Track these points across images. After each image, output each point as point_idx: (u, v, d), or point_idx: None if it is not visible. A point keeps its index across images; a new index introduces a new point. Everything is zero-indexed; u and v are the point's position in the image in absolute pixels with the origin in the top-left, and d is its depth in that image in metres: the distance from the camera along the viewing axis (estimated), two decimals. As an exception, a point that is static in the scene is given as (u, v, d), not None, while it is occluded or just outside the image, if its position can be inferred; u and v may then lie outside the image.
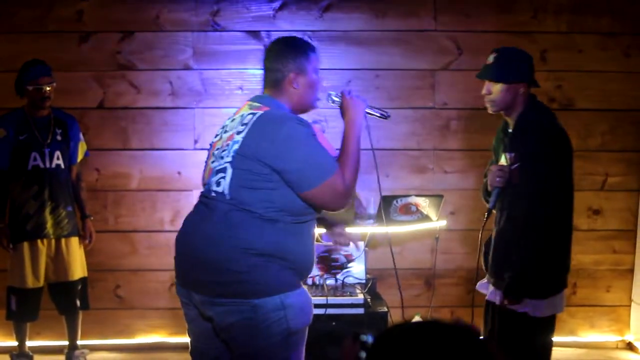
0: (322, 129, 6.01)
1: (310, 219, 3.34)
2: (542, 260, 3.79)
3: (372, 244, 5.75)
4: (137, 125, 6.08)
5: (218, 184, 3.26)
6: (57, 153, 5.49)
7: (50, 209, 5.46)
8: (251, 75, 5.99)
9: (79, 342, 5.77)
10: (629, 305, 6.38)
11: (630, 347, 6.32)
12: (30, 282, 5.44)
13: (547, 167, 3.78)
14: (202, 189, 3.43)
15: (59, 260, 5.50)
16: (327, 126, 6.11)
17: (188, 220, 3.42)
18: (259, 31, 6.11)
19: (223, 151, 3.29)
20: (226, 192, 3.21)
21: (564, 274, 3.95)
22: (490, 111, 4.03)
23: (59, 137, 5.51)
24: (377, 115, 3.72)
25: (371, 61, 6.15)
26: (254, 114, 3.28)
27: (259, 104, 3.35)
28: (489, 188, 4.05)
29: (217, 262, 3.19)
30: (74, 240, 5.58)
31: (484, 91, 3.99)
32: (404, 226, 5.03)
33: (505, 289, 3.86)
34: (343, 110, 3.53)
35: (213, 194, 3.27)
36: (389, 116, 3.77)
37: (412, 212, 4.97)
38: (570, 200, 3.87)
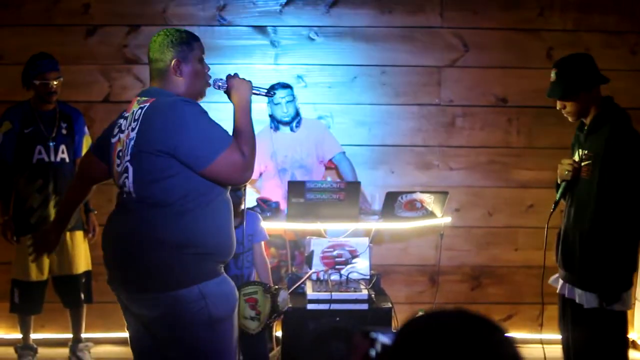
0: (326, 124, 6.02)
1: (220, 198, 3.35)
2: (617, 256, 3.93)
3: (376, 240, 5.76)
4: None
5: (124, 184, 3.29)
6: (62, 147, 5.50)
7: (55, 202, 5.46)
8: (257, 70, 6.00)
9: (84, 335, 5.78)
10: (633, 304, 6.36)
11: (634, 345, 6.31)
12: (34, 275, 5.46)
13: (616, 167, 3.91)
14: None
15: (63, 253, 5.50)
16: (333, 122, 6.12)
17: (110, 217, 3.47)
18: (266, 26, 6.12)
19: (123, 151, 3.31)
20: (132, 190, 3.25)
21: (633, 271, 4.05)
22: (571, 120, 4.19)
23: (64, 131, 5.52)
24: (262, 94, 3.81)
25: (377, 57, 6.16)
26: (142, 107, 3.28)
27: (145, 98, 3.34)
28: (558, 181, 4.21)
29: (134, 257, 3.24)
30: (79, 234, 5.58)
31: (558, 107, 4.14)
32: (409, 222, 5.02)
33: (602, 293, 3.96)
34: (230, 93, 3.54)
35: (124, 195, 3.32)
36: (274, 94, 3.86)
37: (417, 209, 4.96)
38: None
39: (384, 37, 6.15)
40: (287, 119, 5.63)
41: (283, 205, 5.21)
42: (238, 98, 3.51)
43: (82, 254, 5.59)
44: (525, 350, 5.76)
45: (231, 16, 6.10)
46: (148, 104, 3.27)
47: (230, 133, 3.34)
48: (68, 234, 5.50)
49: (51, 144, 5.44)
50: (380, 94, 6.16)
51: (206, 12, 6.08)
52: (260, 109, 5.54)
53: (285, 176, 5.59)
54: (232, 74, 3.61)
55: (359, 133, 6.19)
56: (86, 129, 5.71)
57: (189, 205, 3.22)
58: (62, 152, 5.50)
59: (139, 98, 3.38)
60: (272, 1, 6.12)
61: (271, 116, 5.67)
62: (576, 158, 4.16)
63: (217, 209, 3.35)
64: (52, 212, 5.44)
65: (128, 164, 3.25)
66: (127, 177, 3.26)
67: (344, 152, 5.82)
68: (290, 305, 4.55)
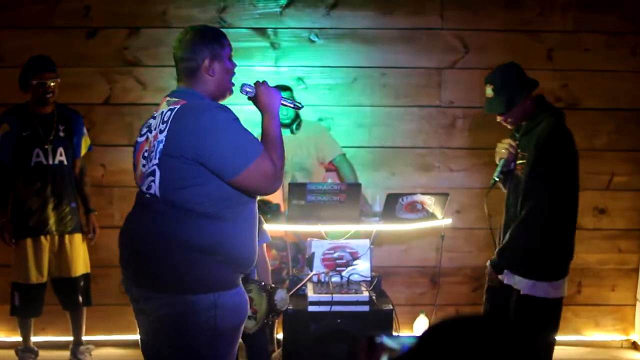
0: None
1: (246, 208, 3.31)
2: (546, 242, 4.18)
3: (377, 241, 5.76)
4: (143, 122, 6.04)
5: (149, 187, 3.23)
6: (60, 149, 5.50)
7: (53, 205, 5.47)
8: (257, 72, 6.00)
9: (85, 338, 5.79)
10: (634, 305, 6.37)
11: (635, 346, 6.32)
12: (33, 278, 5.46)
13: (549, 167, 4.10)
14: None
15: (62, 256, 5.52)
16: (333, 123, 6.12)
17: (129, 216, 3.41)
18: (266, 28, 6.12)
19: (151, 152, 3.25)
20: (158, 194, 3.19)
21: (569, 260, 4.29)
22: (511, 128, 4.40)
23: (61, 134, 5.52)
24: (291, 106, 3.77)
25: (377, 59, 6.16)
26: (172, 109, 3.22)
27: (176, 99, 3.29)
28: (497, 160, 4.40)
29: (153, 257, 3.19)
30: (77, 237, 5.59)
31: (499, 119, 4.32)
32: (410, 224, 5.02)
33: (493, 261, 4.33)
34: (257, 100, 3.47)
35: (147, 196, 3.26)
36: (302, 107, 3.80)
37: (417, 210, 4.96)
38: (575, 198, 4.22)
39: (384, 39, 6.15)
40: (287, 121, 5.62)
41: (283, 207, 5.21)
42: (266, 106, 3.44)
43: (80, 256, 5.59)
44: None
45: (231, 18, 6.10)
46: (178, 106, 3.21)
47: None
48: (67, 236, 5.51)
49: (49, 146, 5.44)
50: (380, 95, 6.16)
51: (206, 14, 6.08)
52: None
53: (285, 178, 5.58)
54: (262, 81, 3.53)
55: (360, 135, 6.18)
56: (85, 129, 5.71)
57: (217, 213, 3.17)
58: (60, 155, 5.49)
59: (168, 99, 3.33)
60: (272, 3, 6.12)
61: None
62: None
63: (244, 219, 3.31)
64: (51, 214, 5.45)
65: (156, 167, 3.19)
66: (153, 181, 3.20)
67: (344, 154, 5.83)
68: (290, 306, 4.54)
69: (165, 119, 3.21)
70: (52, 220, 5.46)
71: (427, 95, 6.18)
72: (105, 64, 6.08)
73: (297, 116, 5.70)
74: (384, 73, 6.16)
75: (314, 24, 6.14)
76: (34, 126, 5.44)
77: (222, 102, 3.37)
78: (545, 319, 4.22)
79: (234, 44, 5.77)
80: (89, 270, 5.67)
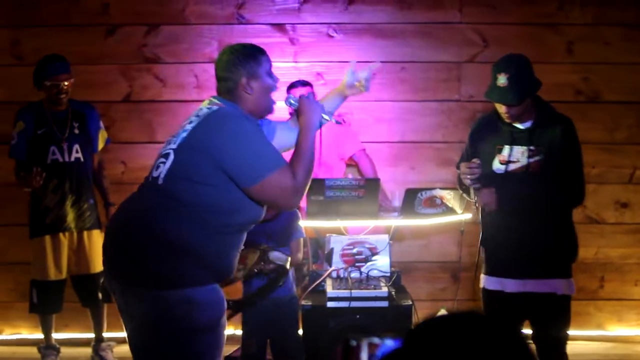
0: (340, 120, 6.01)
1: (240, 226, 3.32)
2: (571, 239, 4.20)
3: (397, 237, 5.75)
4: (162, 119, 6.10)
5: (157, 167, 3.24)
6: (76, 146, 5.51)
7: (72, 202, 5.49)
8: (276, 68, 5.96)
9: (108, 335, 5.79)
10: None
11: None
12: (52, 275, 5.49)
13: (576, 154, 4.16)
14: None
15: (80, 253, 5.55)
16: (353, 119, 6.10)
17: (120, 206, 3.43)
18: (284, 24, 6.13)
19: (173, 137, 3.29)
20: (161, 177, 3.19)
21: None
22: (509, 122, 4.20)
23: (76, 131, 5.53)
24: (333, 121, 3.75)
25: (396, 53, 6.14)
26: (209, 108, 3.29)
27: (218, 102, 3.35)
28: (468, 183, 4.24)
29: (130, 249, 3.20)
30: (96, 233, 5.60)
31: (504, 110, 4.15)
32: (429, 219, 5.00)
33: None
34: (299, 112, 3.50)
35: (150, 179, 3.27)
36: (343, 122, 3.80)
37: (436, 205, 4.93)
38: None
39: (402, 34, 6.13)
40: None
41: (303, 203, 5.21)
42: (306, 121, 3.46)
43: (99, 253, 5.58)
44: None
45: (250, 14, 6.10)
46: (216, 107, 3.29)
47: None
48: (85, 233, 5.54)
49: (65, 144, 5.46)
50: (399, 90, 6.14)
51: (225, 10, 6.09)
52: (280, 106, 5.53)
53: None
54: (306, 95, 3.57)
55: (379, 130, 6.18)
56: (101, 123, 5.72)
57: (210, 219, 3.18)
58: (77, 152, 5.51)
59: (212, 99, 3.39)
60: (290, -1, 6.13)
61: (291, 114, 5.66)
62: (505, 154, 4.19)
63: (234, 235, 3.31)
64: (69, 211, 5.48)
65: (171, 151, 3.22)
66: (163, 163, 3.22)
67: (364, 149, 5.82)
68: (286, 265, 4.61)
69: (200, 114, 3.28)
70: (70, 217, 5.49)
71: (447, 89, 6.16)
72: (125, 62, 6.11)
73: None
74: (403, 67, 6.14)
75: (333, 19, 6.13)
76: (49, 124, 5.46)
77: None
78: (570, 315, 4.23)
79: (252, 40, 5.80)
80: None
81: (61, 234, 5.49)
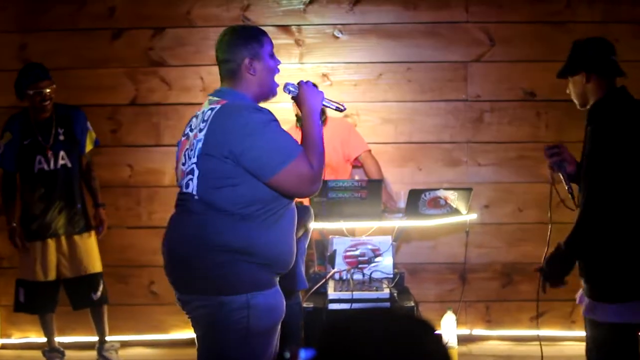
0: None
1: (283, 209, 3.26)
2: (606, 260, 3.54)
3: (405, 238, 5.72)
4: (169, 122, 6.11)
5: (187, 185, 3.23)
6: (62, 153, 5.50)
7: (59, 208, 5.50)
8: (282, 70, 5.96)
9: (114, 337, 5.81)
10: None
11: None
12: (40, 276, 5.49)
13: (600, 162, 3.53)
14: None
15: (72, 256, 5.54)
16: (359, 120, 6.09)
17: (170, 220, 3.41)
18: (290, 25, 6.12)
19: (190, 151, 3.25)
20: (195, 193, 3.19)
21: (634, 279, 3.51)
22: (578, 106, 3.83)
23: (61, 137, 5.52)
24: (333, 108, 3.67)
25: (402, 54, 6.12)
26: (212, 109, 3.23)
27: (217, 98, 3.29)
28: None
29: (188, 259, 3.20)
30: (87, 236, 5.60)
31: (567, 90, 3.85)
32: (433, 220, 4.98)
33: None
34: (299, 100, 3.44)
35: (186, 196, 3.25)
36: (344, 109, 3.71)
37: (441, 206, 4.91)
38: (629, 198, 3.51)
39: (408, 34, 6.11)
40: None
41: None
42: (308, 107, 3.41)
43: (91, 256, 5.60)
44: (557, 347, 5.72)
45: (255, 16, 6.09)
46: (219, 106, 3.22)
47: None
48: (76, 237, 5.55)
49: (50, 152, 5.46)
50: (406, 90, 6.12)
51: (230, 12, 6.09)
52: (286, 108, 5.53)
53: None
54: (305, 81, 3.50)
55: (386, 131, 6.15)
56: (88, 124, 5.68)
57: (252, 214, 3.16)
58: (62, 159, 5.51)
59: (210, 98, 3.34)
60: (295, 0, 6.11)
61: (297, 115, 5.66)
62: None
63: (281, 219, 3.27)
64: (57, 217, 5.50)
65: (194, 165, 3.20)
66: (191, 179, 3.20)
67: (369, 150, 5.80)
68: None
69: (206, 118, 3.22)
70: (59, 223, 5.50)
71: (453, 89, 6.12)
72: (131, 65, 6.12)
73: (323, 113, 5.68)
74: (409, 68, 6.11)
75: (338, 20, 6.12)
76: (34, 134, 5.47)
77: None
78: None
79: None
80: (101, 269, 5.66)
81: (49, 240, 5.49)
